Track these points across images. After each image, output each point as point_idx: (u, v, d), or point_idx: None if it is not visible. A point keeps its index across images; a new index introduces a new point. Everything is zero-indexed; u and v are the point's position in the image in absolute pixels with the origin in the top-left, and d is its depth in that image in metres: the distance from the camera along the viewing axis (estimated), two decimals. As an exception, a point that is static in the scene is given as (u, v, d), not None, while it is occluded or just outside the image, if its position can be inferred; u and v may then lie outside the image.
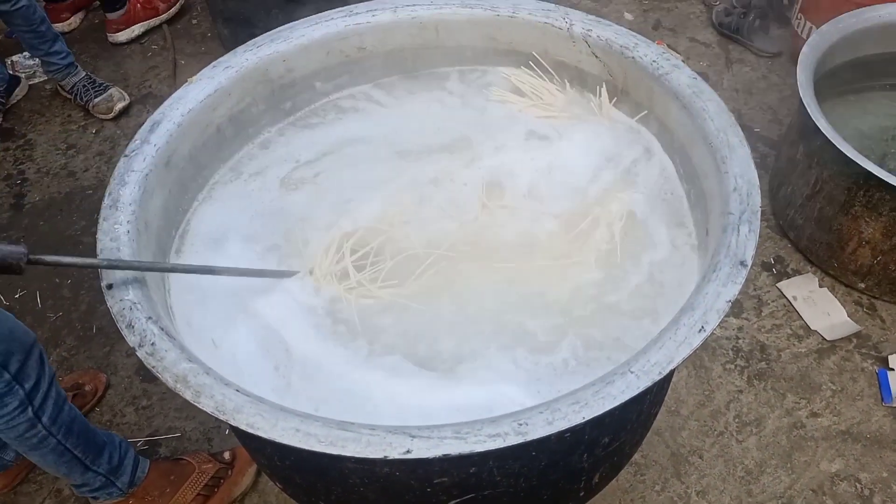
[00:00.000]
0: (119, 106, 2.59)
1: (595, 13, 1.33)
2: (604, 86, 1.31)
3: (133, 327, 0.89)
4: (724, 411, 1.74)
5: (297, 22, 1.34)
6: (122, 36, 2.92)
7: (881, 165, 1.66)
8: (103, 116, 2.59)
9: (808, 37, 1.98)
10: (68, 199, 2.35)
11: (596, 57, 1.29)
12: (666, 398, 1.66)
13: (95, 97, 2.58)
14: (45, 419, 1.31)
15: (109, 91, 2.60)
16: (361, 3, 1.35)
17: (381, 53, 1.40)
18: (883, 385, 1.75)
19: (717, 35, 2.81)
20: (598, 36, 1.27)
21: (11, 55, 2.88)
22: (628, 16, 2.93)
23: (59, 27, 2.86)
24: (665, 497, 1.60)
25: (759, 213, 0.95)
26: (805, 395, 1.76)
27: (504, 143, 1.31)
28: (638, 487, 1.62)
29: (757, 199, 0.97)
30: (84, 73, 2.62)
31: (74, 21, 3.04)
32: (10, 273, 0.84)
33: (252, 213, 1.22)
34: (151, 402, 1.82)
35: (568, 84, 1.36)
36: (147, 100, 2.69)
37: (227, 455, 1.63)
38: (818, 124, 1.72)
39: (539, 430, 0.77)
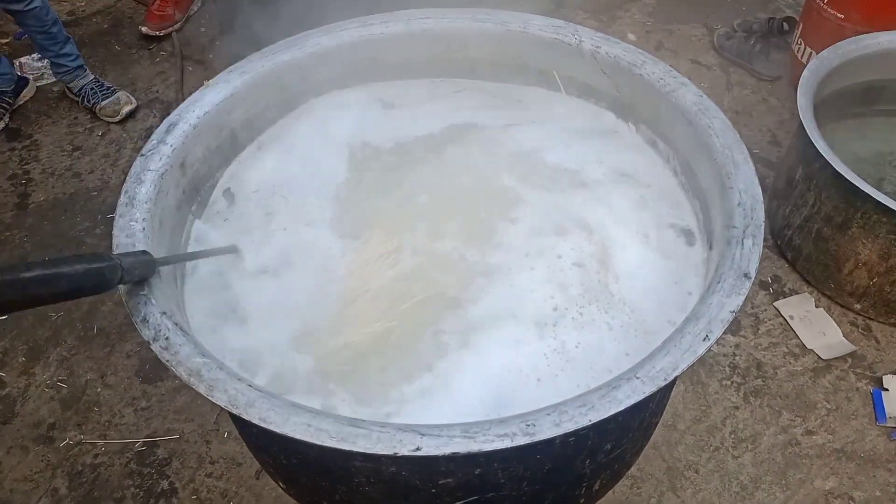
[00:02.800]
0: (126, 109, 2.61)
1: (602, 32, 1.36)
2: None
3: (148, 321, 0.90)
4: (720, 427, 1.75)
5: (311, 31, 1.37)
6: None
7: (878, 189, 1.69)
8: (110, 119, 2.61)
9: (808, 62, 2.03)
10: (72, 200, 2.36)
11: (604, 73, 1.32)
12: (663, 413, 1.68)
13: (103, 100, 2.60)
14: None
15: (117, 94, 2.62)
16: (376, 15, 1.38)
17: (392, 64, 1.43)
18: (877, 405, 1.77)
19: (719, 58, 2.86)
20: (606, 53, 1.30)
21: (20, 57, 2.90)
22: (631, 36, 2.97)
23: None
24: (660, 511, 1.61)
25: (763, 228, 0.98)
26: (800, 413, 1.78)
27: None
28: (634, 500, 1.63)
29: (761, 214, 0.99)
30: (92, 77, 2.64)
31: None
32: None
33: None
34: (150, 404, 1.82)
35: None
36: (154, 104, 2.71)
37: None
38: (817, 147, 1.75)
39: (546, 431, 0.79)
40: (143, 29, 2.96)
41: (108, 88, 2.63)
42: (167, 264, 1.04)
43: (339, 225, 1.22)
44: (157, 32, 2.97)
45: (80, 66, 2.60)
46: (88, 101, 2.61)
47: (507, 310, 1.09)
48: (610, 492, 1.43)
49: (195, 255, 1.14)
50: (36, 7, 2.34)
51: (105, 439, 1.75)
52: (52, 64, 2.59)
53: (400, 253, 1.16)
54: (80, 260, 0.81)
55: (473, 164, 1.30)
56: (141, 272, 0.92)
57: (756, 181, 1.04)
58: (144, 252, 0.95)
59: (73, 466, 1.70)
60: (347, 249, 1.18)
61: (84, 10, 3.20)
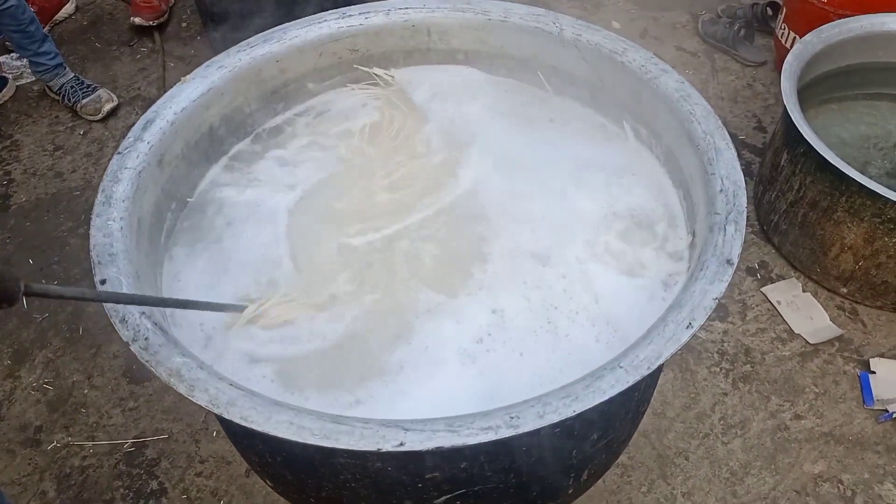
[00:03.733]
0: (107, 107, 2.58)
1: (584, 21, 1.35)
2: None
3: (126, 322, 0.89)
4: (709, 413, 1.76)
5: (290, 23, 1.35)
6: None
7: (863, 172, 1.69)
8: (91, 118, 2.58)
9: (791, 46, 2.02)
10: (55, 200, 2.34)
11: (586, 61, 1.31)
12: (652, 400, 1.68)
13: (83, 98, 2.57)
14: None
15: (98, 92, 2.59)
16: (354, 6, 1.37)
17: (373, 55, 1.41)
18: (864, 388, 1.78)
19: (703, 44, 2.85)
20: (587, 40, 1.29)
21: (-1, 56, 2.87)
22: (616, 24, 2.96)
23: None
24: (651, 498, 1.62)
25: (745, 214, 0.98)
26: (789, 398, 1.78)
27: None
28: (624, 489, 1.63)
29: (743, 200, 0.99)
30: (72, 75, 2.61)
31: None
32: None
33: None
34: (138, 404, 1.81)
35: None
36: (135, 101, 2.69)
37: None
38: (802, 131, 1.75)
39: (530, 422, 0.78)
40: (137, 20, 2.91)
41: (89, 86, 2.60)
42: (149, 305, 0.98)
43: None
44: (151, 22, 2.93)
45: (60, 65, 2.57)
46: (69, 100, 2.58)
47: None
48: (600, 480, 1.44)
49: (201, 306, 1.03)
50: (11, 6, 2.30)
51: (93, 441, 1.74)
52: (31, 63, 2.55)
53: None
54: None
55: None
56: None
57: (738, 167, 1.04)
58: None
59: (62, 469, 1.69)
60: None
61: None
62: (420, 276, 1.13)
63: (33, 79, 2.72)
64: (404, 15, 1.38)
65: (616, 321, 1.06)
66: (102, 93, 2.60)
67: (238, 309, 1.06)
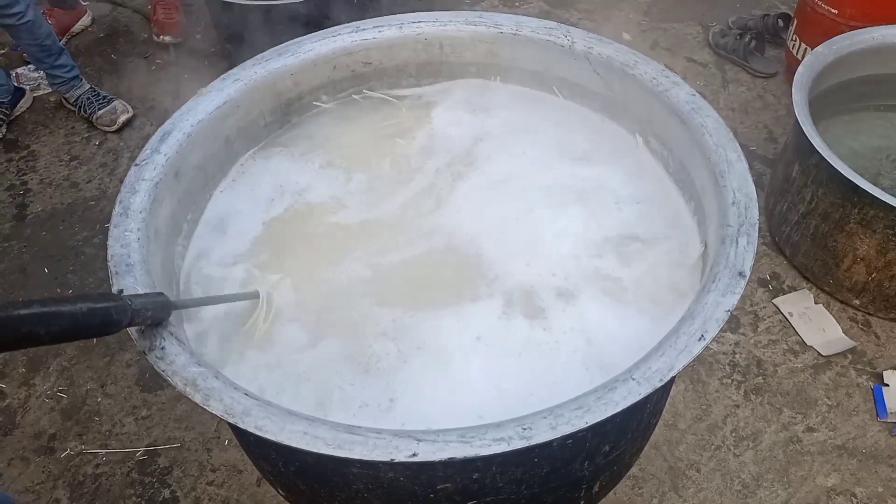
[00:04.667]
0: (122, 118, 2.61)
1: (594, 33, 1.36)
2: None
3: (143, 331, 0.90)
4: (721, 425, 1.75)
5: (304, 37, 1.37)
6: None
7: (875, 183, 1.69)
8: (107, 129, 2.61)
9: (803, 58, 2.02)
10: (70, 210, 2.37)
11: (597, 74, 1.32)
12: (664, 412, 1.68)
13: (99, 109, 2.60)
14: None
15: (113, 104, 2.63)
16: (368, 20, 1.38)
17: (387, 69, 1.43)
18: (878, 401, 1.77)
19: (714, 55, 2.86)
20: (599, 53, 1.30)
21: (16, 67, 2.91)
22: (626, 36, 2.97)
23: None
24: (663, 510, 1.61)
25: (757, 226, 0.98)
26: (801, 410, 1.77)
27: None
28: (636, 501, 1.62)
29: (755, 213, 0.99)
30: (88, 86, 2.65)
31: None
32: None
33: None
34: (151, 413, 1.82)
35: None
36: (150, 113, 2.72)
37: None
38: (813, 143, 1.75)
39: (543, 434, 0.79)
40: (166, 38, 2.94)
41: (105, 98, 2.64)
42: (185, 307, 1.03)
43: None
44: (180, 39, 2.98)
45: (76, 77, 2.61)
46: (85, 111, 2.61)
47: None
48: (611, 493, 1.44)
49: (215, 300, 1.09)
50: (28, 21, 2.34)
51: (106, 449, 1.75)
52: (48, 75, 2.59)
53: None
54: (84, 299, 0.76)
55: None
56: (154, 314, 0.87)
57: (749, 179, 1.04)
58: (160, 293, 0.90)
59: (75, 477, 1.70)
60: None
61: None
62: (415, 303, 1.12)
63: (50, 90, 2.76)
64: (417, 28, 1.40)
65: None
66: (118, 104, 2.63)
67: (253, 296, 1.09)
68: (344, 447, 0.79)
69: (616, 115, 1.35)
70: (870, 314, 1.95)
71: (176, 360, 0.88)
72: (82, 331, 0.76)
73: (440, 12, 1.40)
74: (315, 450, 0.79)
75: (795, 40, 2.53)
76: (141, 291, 0.94)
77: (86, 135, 2.63)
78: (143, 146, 1.15)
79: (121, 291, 0.93)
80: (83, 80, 2.64)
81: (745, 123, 2.55)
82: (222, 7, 2.40)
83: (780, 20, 2.80)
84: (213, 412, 0.83)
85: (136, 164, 1.12)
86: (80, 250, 2.23)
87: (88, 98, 2.61)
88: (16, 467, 1.72)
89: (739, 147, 1.09)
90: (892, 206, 1.65)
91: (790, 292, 2.02)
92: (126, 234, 1.02)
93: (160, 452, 1.74)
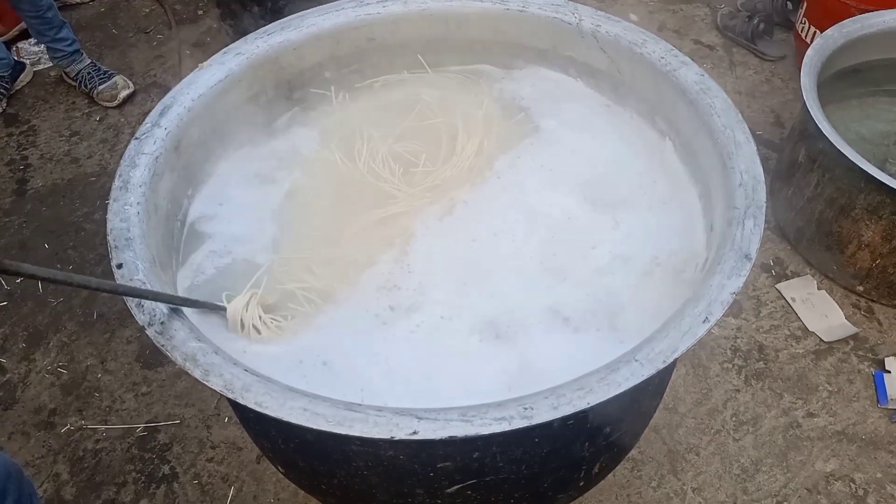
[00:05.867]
0: (123, 94, 2.59)
1: (602, 11, 1.34)
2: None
3: (143, 306, 0.89)
4: (721, 410, 1.75)
5: (307, 11, 1.35)
6: None
7: (882, 169, 1.68)
8: (107, 104, 2.60)
9: (811, 41, 2.00)
10: (71, 186, 2.35)
11: (604, 52, 1.30)
12: (664, 396, 1.67)
13: (100, 84, 2.58)
14: None
15: (114, 79, 2.60)
16: (373, -7, 1.36)
17: (390, 45, 1.41)
18: (879, 387, 1.77)
19: (722, 38, 2.82)
20: (606, 32, 1.28)
21: (17, 41, 2.88)
22: (633, 17, 2.94)
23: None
24: (661, 493, 1.61)
25: (764, 209, 0.97)
26: (802, 396, 1.77)
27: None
28: (634, 483, 1.63)
29: (762, 195, 0.98)
30: (89, 61, 2.62)
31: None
32: None
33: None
34: (151, 389, 1.82)
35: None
36: (151, 88, 2.70)
37: None
38: (821, 127, 1.73)
39: (544, 414, 0.78)
40: None
41: (106, 73, 2.61)
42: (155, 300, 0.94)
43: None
44: None
45: (77, 51, 2.59)
46: (86, 86, 2.59)
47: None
48: (610, 474, 1.44)
49: (187, 302, 0.97)
50: (30, -9, 2.31)
51: (106, 425, 1.75)
52: (49, 49, 2.57)
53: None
54: None
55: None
56: None
57: (757, 161, 1.03)
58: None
59: (75, 452, 1.71)
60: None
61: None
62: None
63: (50, 64, 2.74)
64: (422, 4, 1.37)
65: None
66: (119, 79, 2.61)
67: (220, 309, 1.01)
68: (344, 424, 0.78)
69: (622, 95, 1.33)
70: (873, 301, 1.94)
71: (176, 335, 0.87)
72: None
73: (445, -12, 1.38)
74: (315, 426, 0.78)
75: (805, 23, 2.50)
76: (140, 266, 0.94)
77: (86, 110, 2.62)
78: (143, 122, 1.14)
79: (120, 266, 0.92)
80: (84, 54, 2.62)
81: (752, 107, 2.53)
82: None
83: (789, 3, 2.76)
84: (213, 388, 0.82)
85: (136, 138, 1.10)
86: (80, 226, 2.23)
87: (89, 73, 2.59)
88: (16, 441, 1.73)
89: (748, 128, 1.08)
90: (899, 192, 1.64)
91: (793, 278, 2.01)
92: (126, 207, 1.01)
93: (160, 429, 1.74)
